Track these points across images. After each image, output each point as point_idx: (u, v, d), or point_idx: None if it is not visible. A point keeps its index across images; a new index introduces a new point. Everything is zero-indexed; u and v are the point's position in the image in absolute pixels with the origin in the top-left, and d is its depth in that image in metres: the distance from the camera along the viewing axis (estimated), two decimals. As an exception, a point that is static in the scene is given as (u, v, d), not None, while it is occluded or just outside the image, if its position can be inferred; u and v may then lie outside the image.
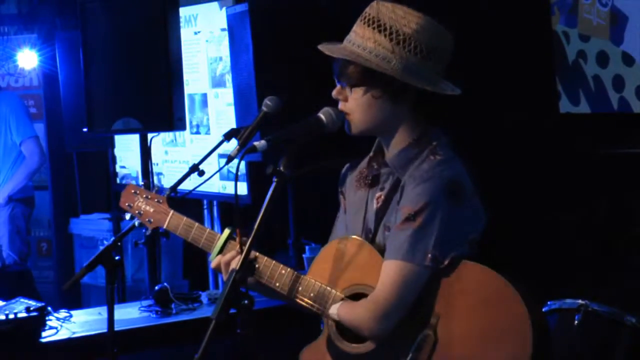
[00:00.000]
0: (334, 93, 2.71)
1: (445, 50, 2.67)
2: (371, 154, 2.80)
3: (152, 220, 2.96)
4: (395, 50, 2.59)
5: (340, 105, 2.70)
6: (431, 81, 2.63)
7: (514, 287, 2.50)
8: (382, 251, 2.65)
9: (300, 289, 2.72)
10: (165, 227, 2.94)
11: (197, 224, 2.90)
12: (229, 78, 4.85)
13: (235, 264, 2.56)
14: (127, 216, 3.03)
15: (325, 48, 2.69)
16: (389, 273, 2.57)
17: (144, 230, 2.94)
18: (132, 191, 3.02)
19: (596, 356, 2.92)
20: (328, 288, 2.69)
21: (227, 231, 2.79)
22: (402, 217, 2.58)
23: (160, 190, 3.01)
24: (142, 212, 2.98)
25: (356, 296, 2.67)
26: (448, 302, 2.55)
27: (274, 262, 2.75)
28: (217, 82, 5.03)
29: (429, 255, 2.54)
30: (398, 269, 2.56)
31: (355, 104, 2.67)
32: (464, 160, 2.68)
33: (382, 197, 2.70)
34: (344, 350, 2.69)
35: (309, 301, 2.71)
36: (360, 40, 2.63)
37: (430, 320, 2.56)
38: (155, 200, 2.97)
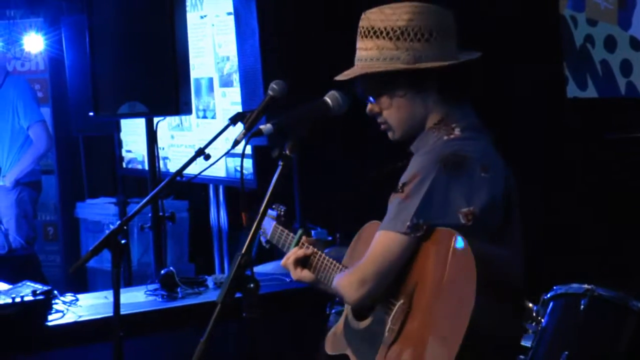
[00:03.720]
0: (367, 111, 2.76)
1: (447, 24, 2.69)
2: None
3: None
4: (399, 46, 2.63)
5: (379, 120, 2.76)
6: (444, 57, 2.65)
7: (473, 254, 2.42)
8: None
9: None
10: (268, 238, 3.26)
11: (286, 230, 3.15)
12: (236, 77, 4.84)
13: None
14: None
15: (340, 76, 2.75)
16: (373, 243, 2.64)
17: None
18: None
19: (602, 341, 2.91)
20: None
21: (299, 232, 3.07)
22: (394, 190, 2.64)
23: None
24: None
25: None
26: (424, 269, 2.56)
27: (327, 258, 2.86)
28: (225, 82, 5.01)
29: (408, 223, 2.56)
30: (380, 238, 2.62)
31: (388, 113, 2.73)
32: (491, 141, 2.71)
33: None
34: (353, 328, 2.78)
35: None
36: (366, 54, 2.69)
37: (407, 289, 2.58)
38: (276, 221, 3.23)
